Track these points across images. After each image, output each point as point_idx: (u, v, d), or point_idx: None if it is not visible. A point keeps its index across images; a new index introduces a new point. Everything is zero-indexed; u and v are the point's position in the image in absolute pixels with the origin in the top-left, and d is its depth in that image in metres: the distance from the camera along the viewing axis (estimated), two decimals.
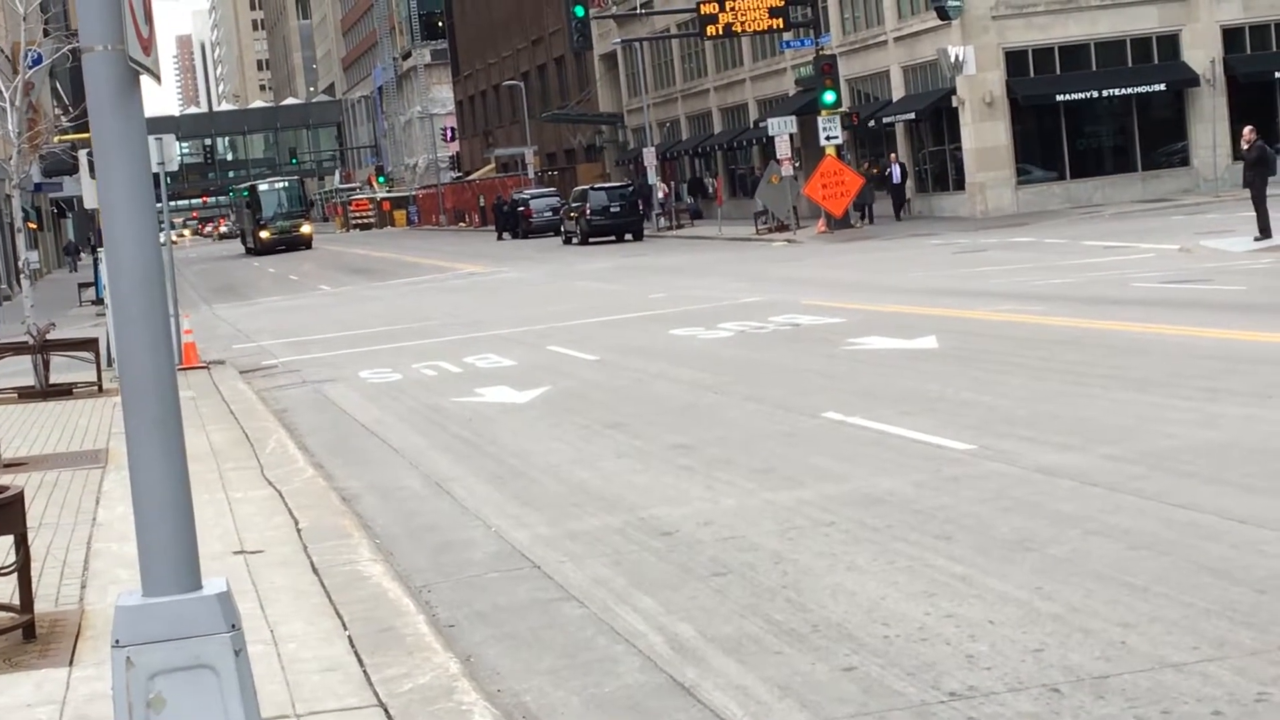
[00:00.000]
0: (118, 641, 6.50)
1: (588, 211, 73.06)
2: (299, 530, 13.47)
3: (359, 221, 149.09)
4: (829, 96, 58.90)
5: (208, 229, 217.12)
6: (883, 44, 65.00)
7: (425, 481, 16.17)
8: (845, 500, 12.99)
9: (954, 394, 18.14)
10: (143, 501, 6.57)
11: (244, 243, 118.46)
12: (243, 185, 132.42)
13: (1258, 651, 8.37)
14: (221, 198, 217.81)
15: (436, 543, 13.22)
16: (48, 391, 26.74)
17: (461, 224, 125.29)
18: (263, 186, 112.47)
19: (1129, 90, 59.12)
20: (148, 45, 6.62)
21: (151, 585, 6.57)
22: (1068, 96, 58.67)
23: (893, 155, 61.27)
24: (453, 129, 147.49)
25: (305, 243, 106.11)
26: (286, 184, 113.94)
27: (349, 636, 9.90)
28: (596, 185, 79.26)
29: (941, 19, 57.31)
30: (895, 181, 56.73)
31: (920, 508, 12.46)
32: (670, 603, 10.46)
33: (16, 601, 10.54)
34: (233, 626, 6.53)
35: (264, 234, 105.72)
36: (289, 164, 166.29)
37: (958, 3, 56.45)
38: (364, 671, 9.13)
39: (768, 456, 15.40)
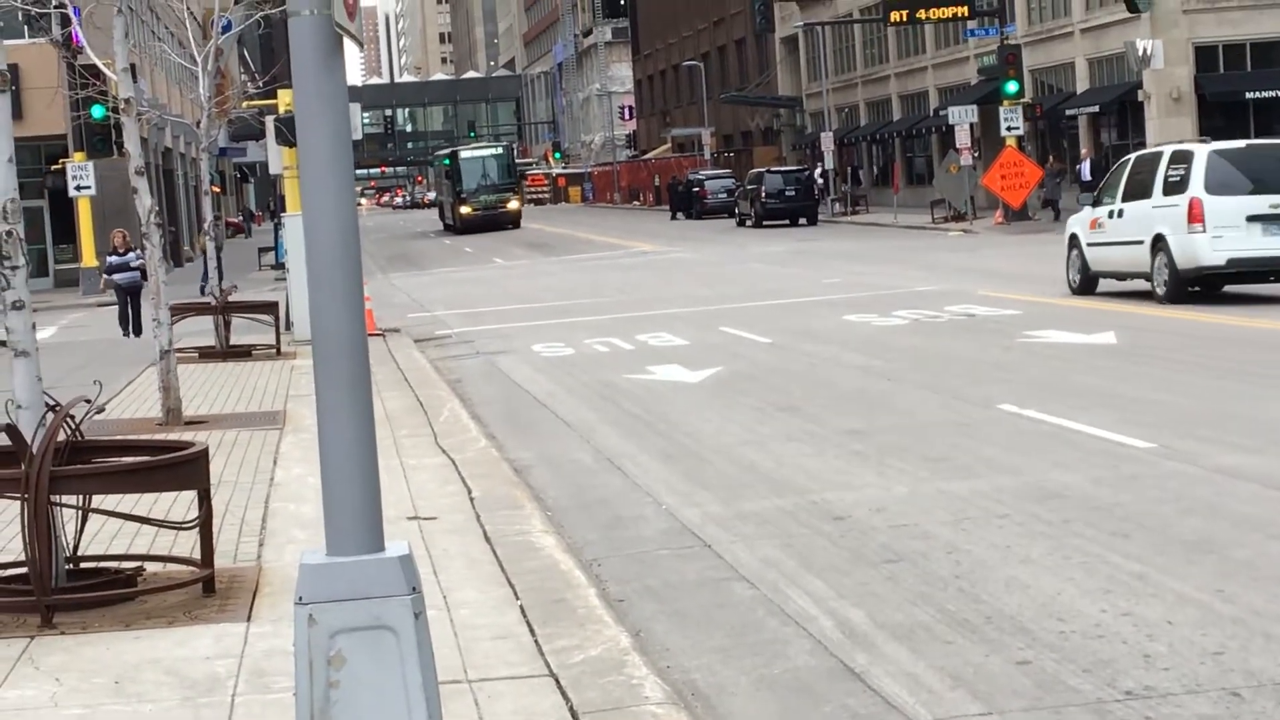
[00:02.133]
0: (300, 599, 6.56)
1: (763, 194, 72.92)
2: (472, 499, 13.58)
3: (533, 196, 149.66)
4: (1012, 86, 58.23)
5: (384, 199, 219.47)
6: (1069, 35, 64.18)
7: (596, 456, 16.23)
8: (1020, 493, 12.85)
9: (1132, 391, 17.88)
10: (330, 462, 6.62)
11: (442, 218, 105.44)
12: (442, 152, 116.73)
13: None
14: (399, 169, 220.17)
15: (607, 517, 13.26)
16: (227, 352, 27.21)
17: (635, 202, 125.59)
18: (466, 154, 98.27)
19: None
20: (352, 10, 6.67)
21: (335, 545, 6.63)
22: (1257, 94, 57.52)
23: (1085, 151, 60.05)
24: (630, 107, 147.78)
25: (513, 220, 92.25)
26: (496, 151, 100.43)
27: (520, 606, 9.95)
28: (772, 168, 79.07)
29: (1130, 11, 56.47)
30: (1085, 179, 55.78)
31: (1097, 504, 12.29)
32: (841, 587, 10.41)
33: (197, 556, 10.73)
34: (413, 589, 6.58)
35: (465, 209, 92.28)
36: (467, 137, 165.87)
37: None
38: (535, 641, 9.18)
39: (941, 445, 15.28)
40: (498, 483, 14.43)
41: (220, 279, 29.79)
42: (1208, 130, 57.63)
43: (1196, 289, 27.59)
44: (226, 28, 36.90)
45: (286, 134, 30.36)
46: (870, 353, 23.17)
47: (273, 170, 35.29)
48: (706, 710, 8.26)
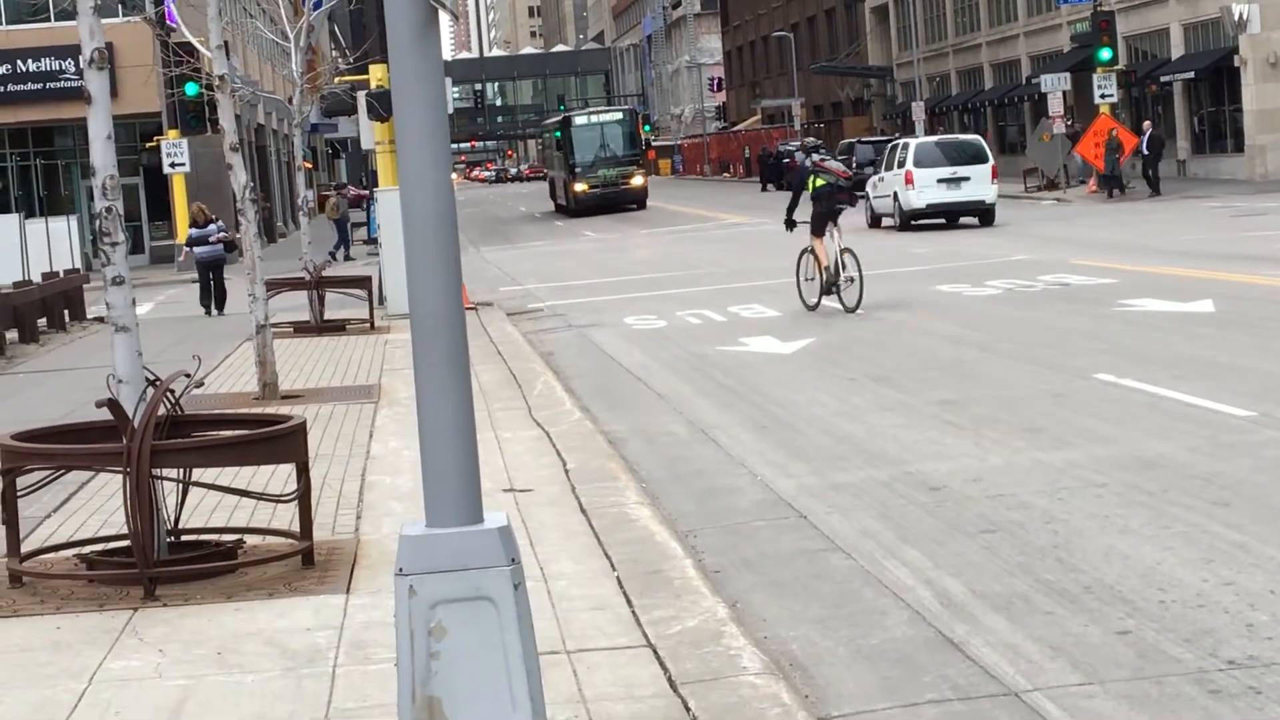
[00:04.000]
0: (401, 570, 6.60)
1: (854, 164, 72.46)
2: (567, 471, 13.63)
3: None
4: (1105, 54, 57.62)
5: (474, 172, 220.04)
6: (1163, 1, 63.51)
7: (690, 428, 16.24)
8: (1117, 463, 12.77)
9: (1231, 359, 17.71)
10: (429, 434, 6.66)
11: (553, 197, 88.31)
12: (553, 120, 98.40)
13: None
14: (489, 143, 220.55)
15: (702, 489, 13.27)
16: (322, 327, 27.39)
17: (726, 174, 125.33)
18: (580, 120, 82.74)
19: None
20: None
21: (435, 516, 6.67)
22: None
23: (1147, 123, 58.87)
24: (720, 79, 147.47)
25: (637, 199, 77.28)
26: (617, 116, 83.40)
27: (617, 577, 9.99)
28: (863, 139, 78.69)
29: None
30: (1144, 152, 54.70)
31: (1196, 473, 12.20)
32: (938, 558, 10.39)
33: (296, 528, 10.83)
34: (513, 560, 6.61)
35: (580, 186, 76.65)
36: (557, 110, 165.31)
37: None
38: (632, 612, 9.21)
39: (1036, 416, 15.20)
40: (592, 455, 14.47)
41: (348, 248, 29.80)
42: None
43: (915, 222, 46.51)
44: (318, 4, 37.10)
45: (379, 109, 30.48)
46: (963, 323, 23.07)
47: (365, 145, 35.45)
48: (805, 680, 8.27)
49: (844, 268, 25.32)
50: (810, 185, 25.80)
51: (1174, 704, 7.54)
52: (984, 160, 46.87)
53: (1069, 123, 61.35)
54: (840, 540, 11.08)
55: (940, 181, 45.93)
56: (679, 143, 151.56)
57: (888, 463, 13.58)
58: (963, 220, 46.51)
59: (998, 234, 42.09)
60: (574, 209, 76.75)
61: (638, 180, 77.93)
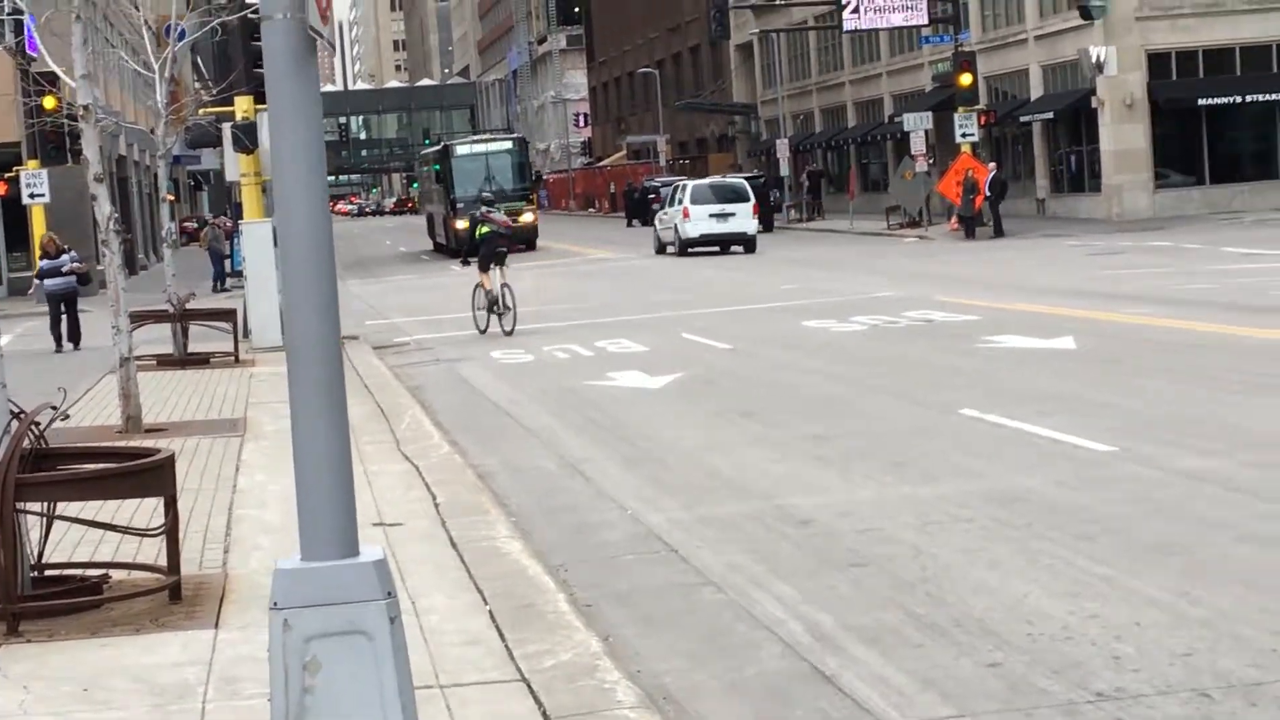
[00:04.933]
0: (275, 604, 6.53)
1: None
2: (437, 505, 13.56)
3: None
4: (966, 78, 58.18)
5: (338, 206, 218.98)
6: (1023, 42, 64.39)
7: (560, 462, 16.22)
8: (984, 497, 12.89)
9: (1093, 395, 17.95)
10: (305, 466, 6.59)
11: (431, 235, 78.64)
12: (430, 151, 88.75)
13: None
14: (353, 176, 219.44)
15: (572, 523, 13.25)
16: (185, 360, 27.09)
17: (591, 209, 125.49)
18: (463, 150, 72.45)
19: (1273, 96, 58.10)
20: (325, 14, 6.67)
21: (310, 550, 6.60)
22: (1210, 101, 57.80)
23: (993, 165, 57.96)
24: (585, 115, 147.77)
25: (526, 239, 66.01)
26: (505, 145, 73.73)
27: (489, 611, 9.95)
28: (733, 176, 79.09)
29: (1084, 19, 56.66)
30: (987, 194, 54.78)
31: (1061, 507, 12.35)
32: (809, 591, 10.43)
33: (163, 563, 10.69)
34: (389, 594, 6.57)
35: (462, 224, 61.43)
36: (423, 144, 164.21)
37: (1102, 3, 55.81)
38: (506, 646, 9.17)
39: (904, 450, 15.31)
40: (462, 489, 14.41)
41: (223, 280, 29.45)
42: (1161, 136, 58.11)
43: (690, 250, 55.88)
44: (182, 35, 36.76)
45: (244, 140, 30.29)
46: (830, 358, 23.23)
47: (229, 177, 35.21)
48: (679, 714, 8.27)
49: (503, 298, 30.40)
50: (478, 233, 31.57)
51: None
52: (747, 199, 57.22)
53: (930, 161, 61.97)
54: (711, 574, 11.09)
55: (711, 216, 56.23)
56: (544, 178, 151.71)
57: (757, 497, 13.63)
58: (733, 249, 56.44)
59: (861, 270, 42.41)
60: (456, 248, 62.43)
61: (528, 217, 67.92)
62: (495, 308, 30.44)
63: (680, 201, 56.94)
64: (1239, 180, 59.09)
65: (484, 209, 33.10)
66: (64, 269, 32.52)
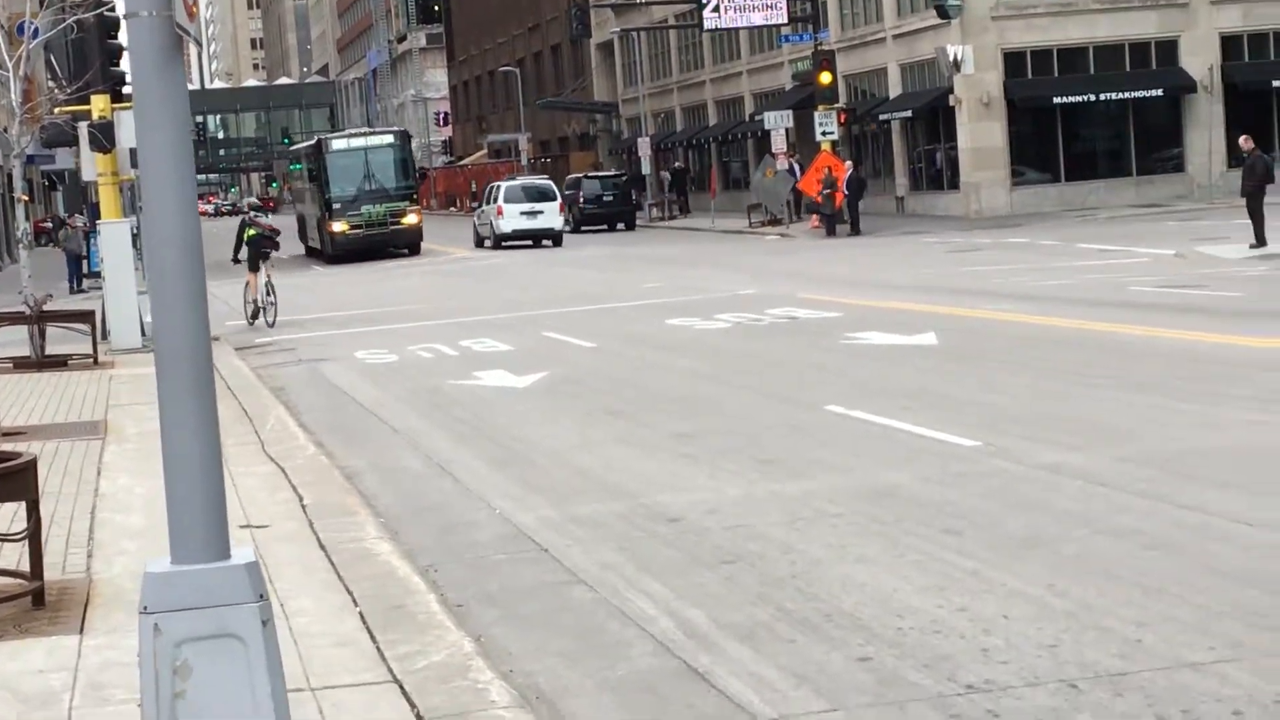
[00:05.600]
0: (145, 608, 6.45)
1: (580, 200, 73.03)
2: (304, 506, 13.45)
3: None
4: (825, 76, 58.61)
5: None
6: (881, 41, 64.92)
7: (426, 462, 16.15)
8: (852, 493, 12.98)
9: (956, 391, 18.13)
10: (174, 467, 6.52)
11: (303, 239, 71.88)
12: (302, 146, 79.52)
13: (1275, 654, 8.37)
14: (211, 175, 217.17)
15: (441, 523, 13.19)
16: (43, 362, 26.67)
17: (452, 209, 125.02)
18: (339, 144, 65.69)
19: (1126, 95, 59.03)
20: (192, 11, 6.59)
21: (180, 552, 6.53)
22: (1065, 99, 58.57)
23: (849, 163, 58.25)
24: (446, 113, 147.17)
25: (410, 242, 63.13)
26: (385, 140, 66.95)
27: (360, 613, 9.88)
28: (590, 174, 79.27)
29: (941, 18, 57.17)
30: (844, 192, 54.95)
31: (928, 502, 12.46)
32: (680, 589, 10.45)
33: (25, 568, 10.51)
34: (261, 596, 6.52)
35: (339, 226, 61.14)
36: (281, 144, 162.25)
37: (958, 2, 56.35)
38: (377, 648, 9.11)
39: (772, 447, 15.38)
40: (329, 490, 14.30)
41: (79, 280, 28.98)
42: (1017, 134, 58.83)
43: (504, 243, 62.75)
44: (35, 33, 36.24)
45: (101, 139, 29.85)
46: (695, 356, 23.29)
47: (86, 177, 34.67)
48: (552, 713, 8.26)
49: (268, 295, 34.39)
50: (246, 235, 35.78)
51: None
52: (553, 199, 64.19)
53: (795, 158, 62.30)
54: (581, 573, 11.09)
55: (522, 214, 63.22)
56: (430, 174, 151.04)
57: (626, 495, 13.63)
58: (543, 242, 62.87)
59: (724, 268, 42.57)
60: (332, 254, 62.10)
61: (411, 219, 62.55)
62: (259, 302, 34.51)
63: (495, 200, 64.33)
64: (1093, 178, 59.97)
65: (252, 214, 40.22)
66: None
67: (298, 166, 74.56)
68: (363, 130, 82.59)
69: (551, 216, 63.76)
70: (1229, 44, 60.16)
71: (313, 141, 70.60)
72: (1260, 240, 34.54)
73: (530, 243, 63.14)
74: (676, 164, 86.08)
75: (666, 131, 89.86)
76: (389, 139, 67.01)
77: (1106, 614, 9.19)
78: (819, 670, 8.59)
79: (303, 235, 72.33)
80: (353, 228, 61.10)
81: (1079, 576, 10.02)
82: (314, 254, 67.86)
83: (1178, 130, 60.30)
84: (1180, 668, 8.20)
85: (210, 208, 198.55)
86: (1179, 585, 9.67)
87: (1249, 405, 15.88)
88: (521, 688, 8.56)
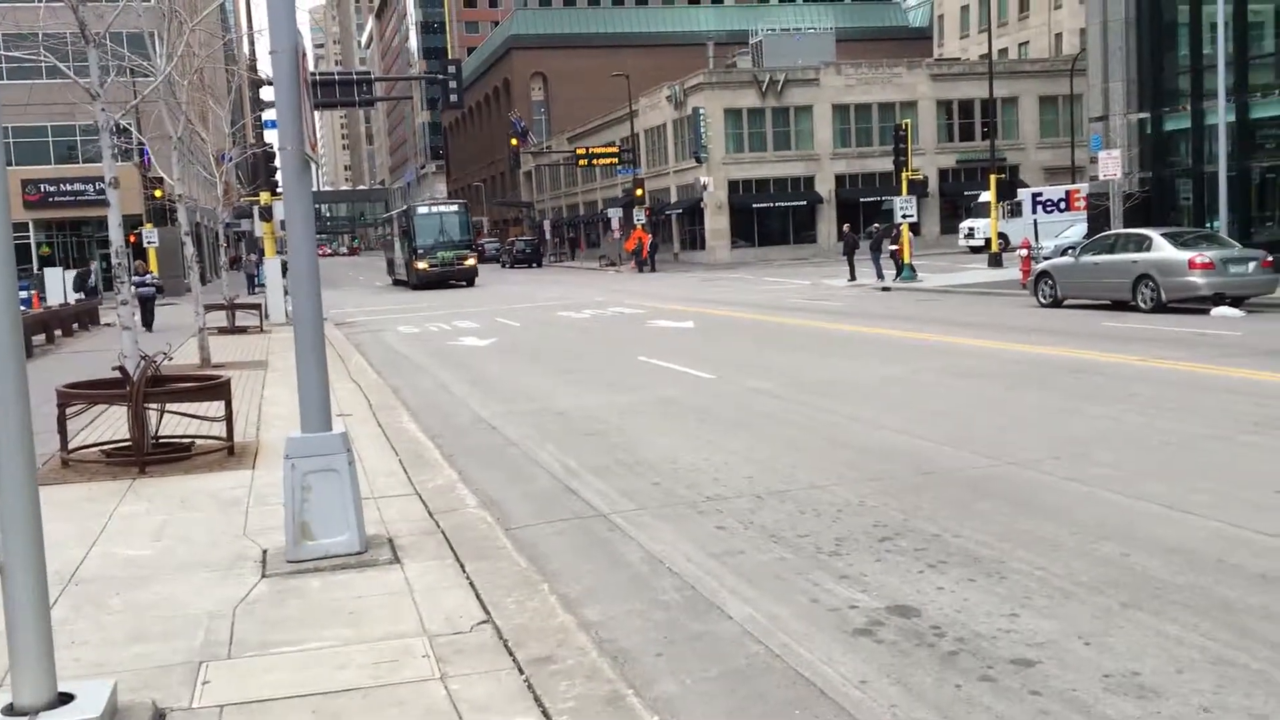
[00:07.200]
0: (287, 456, 6.32)
1: (514, 250, 72.44)
2: (370, 404, 13.19)
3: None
4: (640, 199, 58.54)
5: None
6: (668, 173, 64.87)
7: (435, 382, 15.88)
8: (650, 401, 12.95)
9: (703, 350, 18.14)
10: (304, 384, 6.38)
11: (390, 273, 59.10)
12: (396, 211, 63.87)
13: (860, 480, 8.50)
14: (321, 235, 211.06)
15: (441, 413, 12.98)
16: (235, 330, 25.92)
17: None
18: (423, 209, 53.91)
19: (789, 203, 59.52)
20: (314, 146, 6.42)
21: (306, 426, 6.40)
22: (758, 205, 58.93)
23: (648, 236, 54.23)
24: None
25: (469, 277, 50.56)
26: (453, 207, 54.30)
27: (399, 459, 9.72)
28: (519, 238, 78.51)
29: (697, 162, 57.37)
30: (648, 250, 54.25)
31: (689, 406, 12.45)
32: (565, 448, 10.38)
33: (224, 434, 10.24)
34: (348, 449, 6.41)
35: (422, 265, 50.08)
36: (359, 219, 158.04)
37: (704, 154, 56.44)
38: (408, 477, 8.98)
39: (610, 377, 15.31)
40: (383, 396, 14.05)
41: (254, 287, 27.74)
42: (735, 222, 58.92)
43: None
44: (229, 159, 34.94)
45: (266, 215, 28.99)
46: (573, 330, 23.11)
47: (256, 234, 33.63)
48: (497, 510, 8.17)
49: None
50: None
51: (680, 517, 7.71)
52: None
53: (641, 223, 62.11)
54: (512, 439, 10.97)
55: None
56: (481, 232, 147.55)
57: (536, 401, 13.50)
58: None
59: (587, 287, 42.34)
60: (416, 283, 50.24)
61: (470, 261, 51.04)
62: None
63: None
64: (771, 244, 60.31)
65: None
66: (148, 281, 30.68)
67: (387, 225, 62.25)
68: (440, 199, 72.02)
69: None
70: (840, 179, 60.78)
71: (404, 208, 59.07)
72: (852, 277, 35.00)
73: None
74: (570, 234, 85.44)
75: (559, 217, 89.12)
76: (455, 207, 54.49)
77: (776, 462, 9.27)
78: (633, 489, 8.59)
79: (390, 271, 59.46)
80: (430, 266, 50.30)
81: (764, 444, 10.08)
82: (399, 284, 57.60)
83: (814, 221, 60.84)
84: (812, 488, 8.30)
85: (322, 252, 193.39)
86: (815, 448, 9.78)
87: (842, 355, 16.03)
88: (481, 496, 8.49)
